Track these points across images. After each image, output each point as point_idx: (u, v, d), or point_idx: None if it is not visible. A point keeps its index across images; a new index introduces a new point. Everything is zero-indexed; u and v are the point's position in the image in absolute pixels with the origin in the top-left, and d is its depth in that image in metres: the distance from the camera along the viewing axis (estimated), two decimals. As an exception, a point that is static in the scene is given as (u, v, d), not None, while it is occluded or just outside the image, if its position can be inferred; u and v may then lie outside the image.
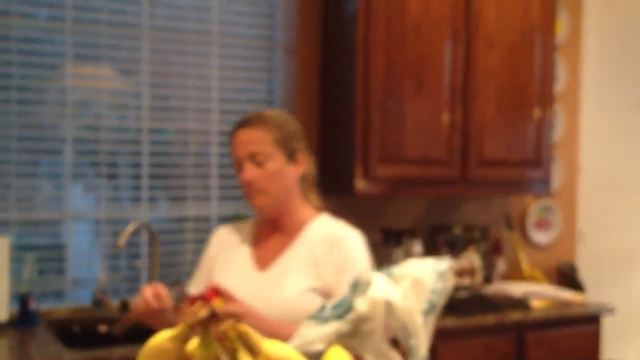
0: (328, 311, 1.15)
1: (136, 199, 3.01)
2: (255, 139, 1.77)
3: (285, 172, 1.80)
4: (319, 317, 1.13)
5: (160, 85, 3.04)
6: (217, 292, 1.48)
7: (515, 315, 3.02)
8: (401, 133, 3.06)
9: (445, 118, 3.15)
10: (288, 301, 1.72)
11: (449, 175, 3.19)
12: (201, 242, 1.75)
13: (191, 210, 3.06)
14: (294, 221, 1.85)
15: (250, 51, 3.20)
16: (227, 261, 1.87)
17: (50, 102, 2.85)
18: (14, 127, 2.77)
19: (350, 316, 1.14)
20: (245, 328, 0.84)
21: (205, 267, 1.92)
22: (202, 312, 0.83)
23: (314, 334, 1.11)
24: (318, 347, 1.08)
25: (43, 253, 2.83)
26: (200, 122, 3.10)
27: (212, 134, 3.12)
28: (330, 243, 1.77)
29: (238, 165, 1.81)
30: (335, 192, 3.22)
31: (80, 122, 2.90)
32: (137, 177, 3.01)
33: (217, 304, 1.43)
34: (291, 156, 1.82)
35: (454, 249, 3.29)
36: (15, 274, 2.66)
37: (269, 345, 0.85)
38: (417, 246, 3.22)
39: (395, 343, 1.20)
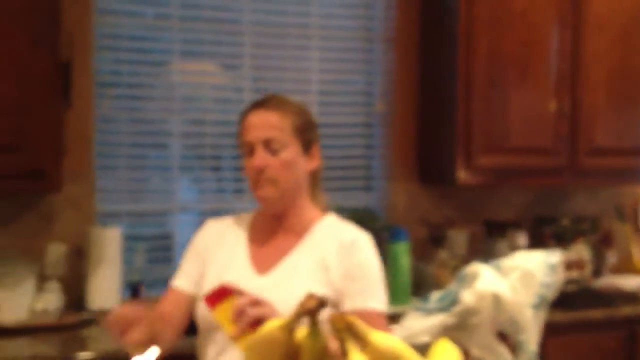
0: (433, 303, 1.14)
1: (238, 191, 3.07)
2: (272, 124, 1.61)
3: (299, 164, 1.64)
4: (423, 308, 1.12)
5: (261, 79, 3.09)
6: (230, 290, 1.40)
7: (626, 310, 2.89)
8: (505, 122, 2.99)
9: (551, 105, 3.04)
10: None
11: (555, 165, 3.09)
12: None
13: (292, 201, 3.10)
14: (300, 220, 1.68)
15: (349, 43, 3.20)
16: (221, 261, 1.68)
17: (158, 98, 2.95)
18: (125, 122, 2.89)
19: (456, 308, 1.12)
20: (354, 319, 0.85)
21: (194, 262, 1.73)
22: (311, 302, 0.84)
23: (418, 325, 1.10)
24: (423, 339, 1.07)
25: (152, 243, 2.94)
26: (301, 114, 3.13)
27: (313, 125, 3.14)
28: (341, 247, 1.62)
29: (248, 151, 1.63)
30: (435, 182, 3.18)
31: (186, 117, 3.00)
32: (239, 169, 3.07)
33: (234, 301, 1.36)
34: (307, 148, 1.66)
35: (561, 241, 3.18)
36: (127, 264, 2.78)
37: (377, 337, 0.85)
38: (522, 238, 3.14)
39: (502, 337, 1.18)
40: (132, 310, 1.42)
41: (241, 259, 1.67)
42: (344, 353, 0.82)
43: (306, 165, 1.67)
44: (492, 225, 3.19)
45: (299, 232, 1.67)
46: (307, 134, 1.66)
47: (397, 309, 2.65)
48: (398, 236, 2.86)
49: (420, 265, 3.03)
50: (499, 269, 1.18)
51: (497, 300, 1.13)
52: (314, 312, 0.84)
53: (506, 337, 1.15)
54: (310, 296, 0.84)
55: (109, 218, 2.84)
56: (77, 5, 2.70)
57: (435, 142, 3.10)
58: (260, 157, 1.60)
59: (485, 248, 3.09)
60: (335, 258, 1.61)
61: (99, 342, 2.37)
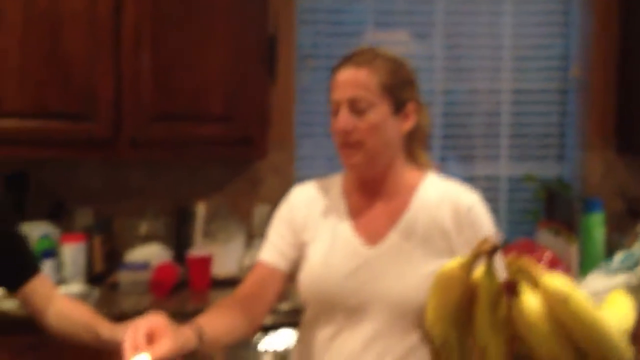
0: (616, 263, 1.15)
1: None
2: (359, 82, 1.47)
3: (388, 126, 1.49)
4: (606, 268, 1.13)
5: (453, 47, 3.13)
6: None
7: None
8: None
9: None
10: (421, 280, 1.41)
11: None
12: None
13: (481, 169, 3.12)
14: (398, 184, 1.55)
15: (544, 5, 3.12)
16: (324, 234, 1.55)
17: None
18: (323, 92, 3.05)
19: (641, 269, 1.13)
20: (526, 262, 0.91)
21: (286, 235, 1.59)
22: (486, 245, 0.92)
23: (601, 285, 1.12)
24: (604, 298, 1.09)
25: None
26: (492, 81, 3.13)
27: (504, 92, 3.13)
28: (457, 213, 1.49)
29: (334, 110, 1.50)
30: (635, 152, 3.04)
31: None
32: (429, 137, 3.14)
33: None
34: (399, 108, 1.50)
35: None
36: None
37: (548, 278, 0.91)
38: None
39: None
40: (155, 321, 1.28)
41: (345, 230, 1.54)
42: (517, 292, 0.89)
43: (398, 126, 1.52)
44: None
45: (401, 196, 1.55)
46: (399, 92, 1.50)
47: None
48: (592, 207, 2.78)
49: (616, 238, 2.93)
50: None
51: (683, 262, 1.12)
52: (489, 253, 0.92)
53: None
54: (486, 239, 0.92)
55: (308, 182, 3.04)
56: (282, -18, 2.90)
57: (636, 109, 2.96)
58: (345, 119, 1.47)
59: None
60: (452, 224, 1.49)
61: (297, 295, 2.58)
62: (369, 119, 1.46)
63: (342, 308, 1.49)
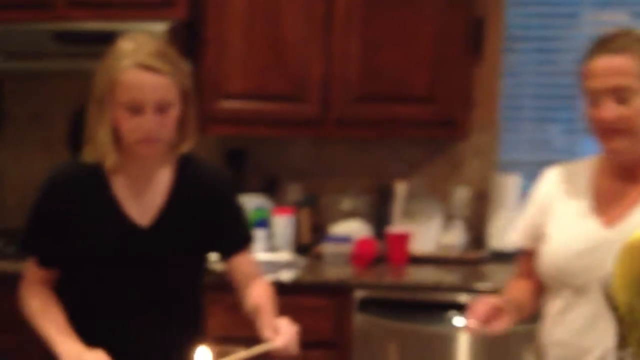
0: None
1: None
2: (620, 70, 1.44)
3: None
4: None
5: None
6: None
7: None
8: None
9: None
10: None
11: None
12: None
13: None
14: None
15: None
16: (565, 212, 1.60)
17: (568, 50, 2.96)
18: (530, 75, 2.99)
19: None
20: None
21: (534, 215, 1.68)
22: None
23: None
24: None
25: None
26: None
27: None
28: None
29: (593, 99, 1.48)
30: None
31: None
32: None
33: None
34: None
35: None
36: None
37: None
38: None
39: None
40: (496, 300, 1.55)
41: (586, 210, 1.58)
42: None
43: None
44: None
45: None
46: None
47: None
48: None
49: None
50: None
51: None
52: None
53: None
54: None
55: (511, 167, 2.99)
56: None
57: None
58: (608, 109, 1.46)
59: None
60: None
61: (497, 276, 2.58)
62: (635, 106, 1.45)
63: (571, 285, 1.54)
